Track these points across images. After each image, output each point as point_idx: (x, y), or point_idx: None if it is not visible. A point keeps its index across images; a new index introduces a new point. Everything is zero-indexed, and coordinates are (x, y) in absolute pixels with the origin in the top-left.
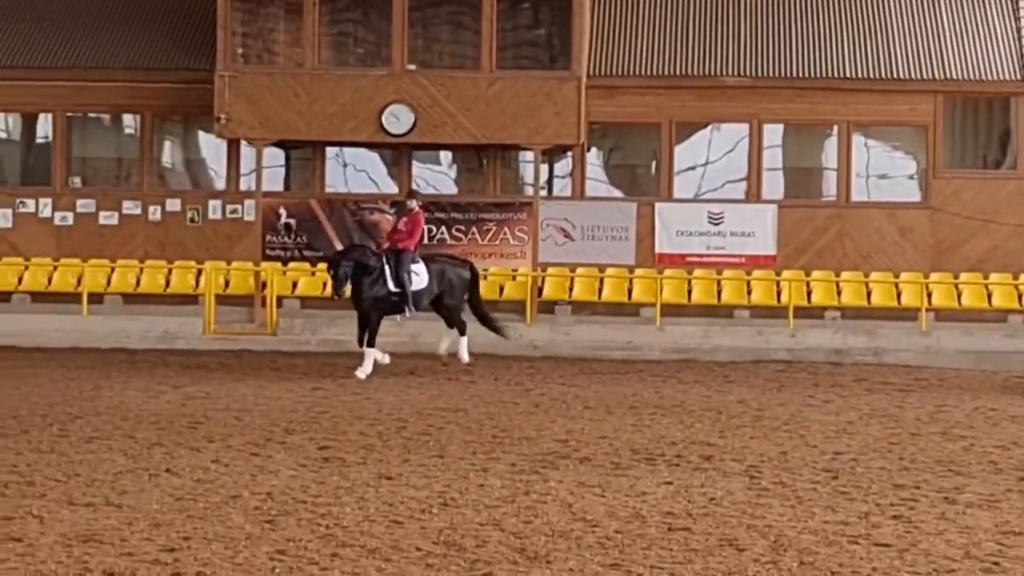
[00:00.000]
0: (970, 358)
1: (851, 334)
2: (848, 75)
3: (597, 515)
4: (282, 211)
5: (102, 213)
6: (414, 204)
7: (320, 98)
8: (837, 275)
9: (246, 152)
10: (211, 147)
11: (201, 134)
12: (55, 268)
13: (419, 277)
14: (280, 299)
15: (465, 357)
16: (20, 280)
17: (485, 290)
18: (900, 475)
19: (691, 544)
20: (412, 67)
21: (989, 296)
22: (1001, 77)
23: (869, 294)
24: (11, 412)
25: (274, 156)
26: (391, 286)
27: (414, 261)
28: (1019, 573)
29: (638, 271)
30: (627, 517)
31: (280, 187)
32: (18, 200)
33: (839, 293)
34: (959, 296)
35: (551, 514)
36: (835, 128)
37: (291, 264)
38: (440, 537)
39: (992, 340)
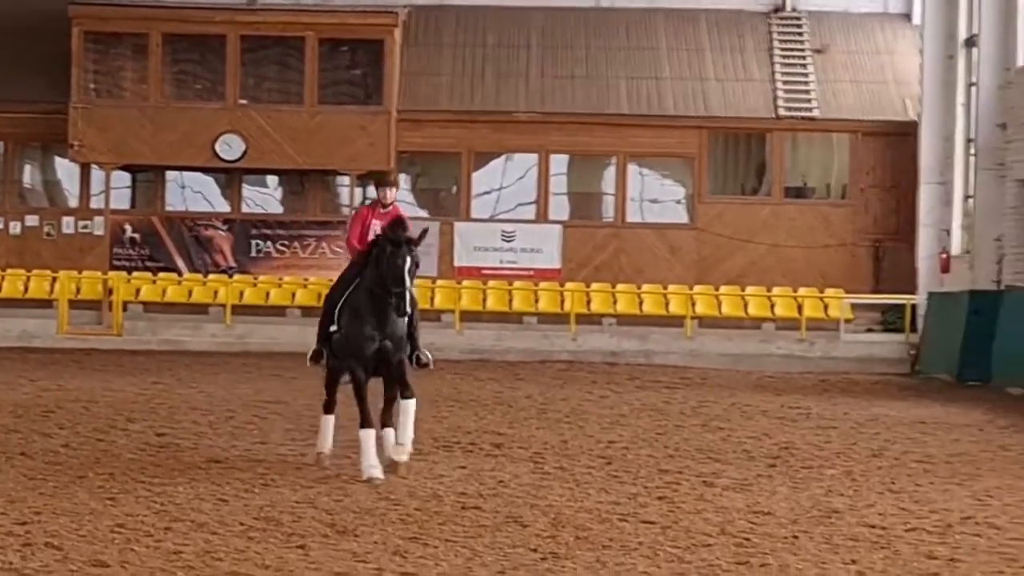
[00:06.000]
0: (728, 360)
1: (625, 338)
2: (625, 112)
3: (400, 495)
4: (127, 227)
5: None
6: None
7: (162, 128)
8: (613, 287)
9: (96, 175)
10: (66, 170)
11: (57, 159)
12: None
13: None
14: (125, 304)
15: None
16: None
17: (300, 299)
18: (665, 461)
19: (481, 521)
20: (243, 101)
21: (746, 306)
22: (757, 115)
23: (641, 303)
24: None
25: (121, 178)
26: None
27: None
28: (767, 548)
29: (440, 282)
30: (426, 497)
31: (127, 205)
32: None
33: (615, 302)
34: (719, 306)
35: (359, 494)
36: (613, 158)
37: (135, 273)
38: (261, 513)
39: (748, 344)
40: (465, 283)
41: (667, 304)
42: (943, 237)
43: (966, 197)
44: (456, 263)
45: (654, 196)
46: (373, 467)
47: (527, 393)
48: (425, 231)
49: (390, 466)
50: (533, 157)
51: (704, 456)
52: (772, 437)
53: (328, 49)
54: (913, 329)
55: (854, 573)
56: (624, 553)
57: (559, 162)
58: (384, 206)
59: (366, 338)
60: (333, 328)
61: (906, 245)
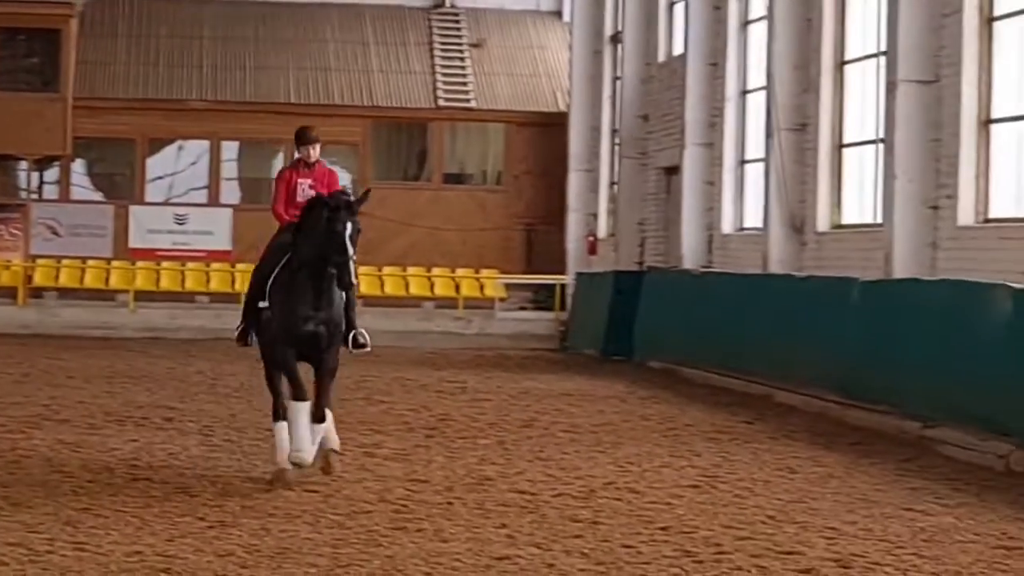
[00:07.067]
0: (391, 336)
1: None
2: (293, 100)
3: (73, 467)
4: None
5: None
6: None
7: None
8: None
9: None
10: None
11: None
12: None
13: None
14: None
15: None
16: None
17: None
18: None
19: (151, 492)
20: None
21: (407, 286)
22: (418, 106)
23: None
24: None
25: None
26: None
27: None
28: (423, 514)
29: (115, 263)
30: (98, 469)
31: None
32: None
33: None
34: (382, 285)
35: (33, 467)
36: (282, 146)
37: None
38: None
39: (409, 322)
40: (140, 264)
41: None
42: (590, 221)
43: (611, 184)
44: (131, 245)
45: None
46: (298, 451)
47: (198, 369)
48: (368, 192)
49: (323, 467)
50: (205, 144)
51: (366, 428)
52: (430, 409)
53: (5, 37)
54: (562, 307)
55: (504, 536)
56: (288, 520)
57: (230, 149)
58: (308, 164)
59: (300, 319)
60: (263, 304)
61: (556, 228)
